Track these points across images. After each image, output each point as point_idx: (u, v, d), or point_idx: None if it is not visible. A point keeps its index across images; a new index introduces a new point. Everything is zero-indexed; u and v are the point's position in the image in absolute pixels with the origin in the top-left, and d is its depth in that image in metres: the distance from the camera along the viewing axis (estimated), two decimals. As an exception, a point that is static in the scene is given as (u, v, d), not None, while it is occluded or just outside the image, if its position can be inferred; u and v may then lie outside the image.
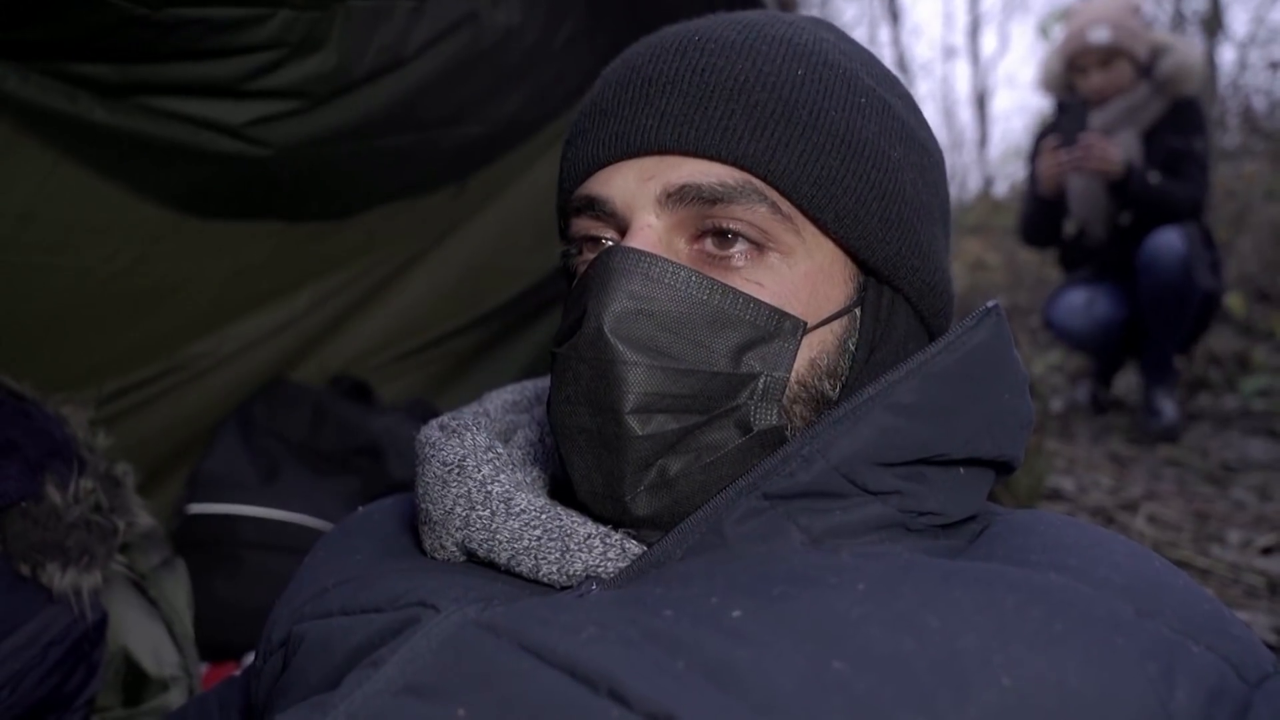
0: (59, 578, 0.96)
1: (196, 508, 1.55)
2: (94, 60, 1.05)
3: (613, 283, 0.61)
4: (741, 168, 0.63)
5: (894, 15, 11.33)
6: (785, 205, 0.63)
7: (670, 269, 0.61)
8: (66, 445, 1.05)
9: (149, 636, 1.16)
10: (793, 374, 0.63)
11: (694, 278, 0.61)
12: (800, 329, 0.63)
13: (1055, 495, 2.49)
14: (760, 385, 0.62)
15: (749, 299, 0.62)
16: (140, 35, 0.98)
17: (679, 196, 0.63)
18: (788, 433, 0.63)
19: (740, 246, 0.63)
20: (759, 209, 0.63)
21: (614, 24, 1.51)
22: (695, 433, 0.61)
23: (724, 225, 0.63)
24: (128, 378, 1.50)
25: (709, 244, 0.64)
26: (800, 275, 0.64)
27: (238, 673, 0.90)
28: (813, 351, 0.64)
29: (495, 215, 1.85)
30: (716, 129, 0.63)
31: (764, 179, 0.63)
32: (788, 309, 0.63)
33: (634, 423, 0.60)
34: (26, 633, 0.93)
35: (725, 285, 0.62)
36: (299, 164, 1.35)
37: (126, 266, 1.35)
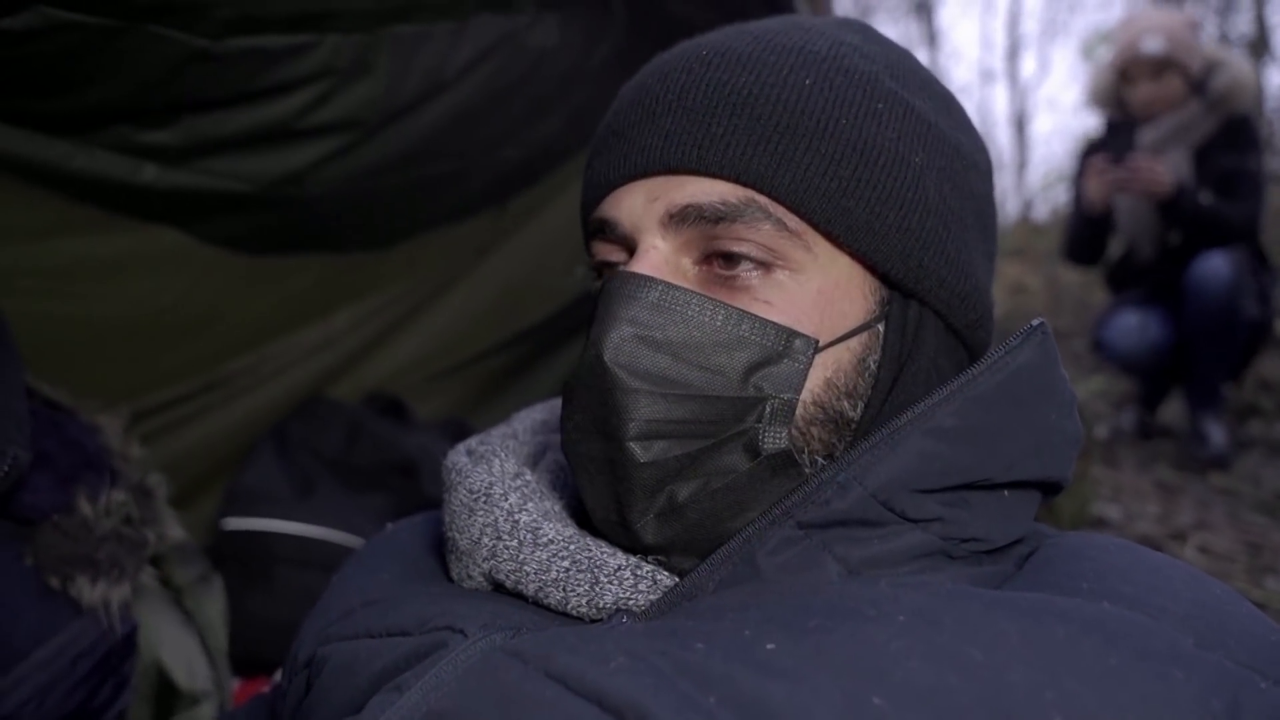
0: (89, 590, 0.96)
1: (232, 523, 1.56)
2: (156, 122, 1.08)
3: (613, 310, 0.60)
4: (744, 184, 0.61)
5: (932, 39, 11.29)
6: (793, 220, 0.61)
7: (671, 293, 0.60)
8: (99, 456, 1.06)
9: (183, 650, 1.17)
10: (808, 394, 0.61)
11: (696, 300, 0.60)
12: (811, 348, 0.60)
13: (1100, 523, 2.43)
14: (768, 408, 0.59)
15: (755, 319, 0.60)
16: (200, 74, 1.01)
17: (681, 217, 0.62)
18: (803, 456, 0.61)
19: (747, 265, 0.61)
20: (763, 226, 0.61)
21: (651, 45, 1.50)
22: (702, 458, 0.59)
23: (728, 249, 0.61)
24: (167, 394, 1.52)
25: (716, 264, 0.62)
26: (812, 292, 0.62)
27: (267, 689, 0.89)
28: (828, 371, 0.62)
29: (531, 236, 1.86)
30: (718, 145, 0.61)
31: (768, 194, 0.61)
32: (798, 328, 0.61)
33: (637, 449, 0.58)
34: (55, 645, 0.93)
35: (730, 306, 0.60)
36: (348, 200, 1.38)
37: (175, 299, 1.39)
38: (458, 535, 0.66)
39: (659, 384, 0.59)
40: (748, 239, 0.61)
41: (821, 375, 0.62)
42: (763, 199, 0.61)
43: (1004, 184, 10.47)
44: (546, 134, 1.59)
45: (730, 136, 0.61)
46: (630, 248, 0.65)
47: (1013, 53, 11.91)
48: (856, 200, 0.61)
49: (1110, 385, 3.98)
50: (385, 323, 1.79)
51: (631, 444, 0.58)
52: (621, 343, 0.59)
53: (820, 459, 0.62)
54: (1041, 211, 8.70)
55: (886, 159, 0.62)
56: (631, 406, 0.58)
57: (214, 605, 1.28)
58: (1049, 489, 0.64)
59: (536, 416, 0.81)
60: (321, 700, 0.63)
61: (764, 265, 0.61)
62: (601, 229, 0.67)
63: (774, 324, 0.60)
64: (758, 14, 0.77)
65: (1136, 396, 3.41)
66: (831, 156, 0.61)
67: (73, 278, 1.25)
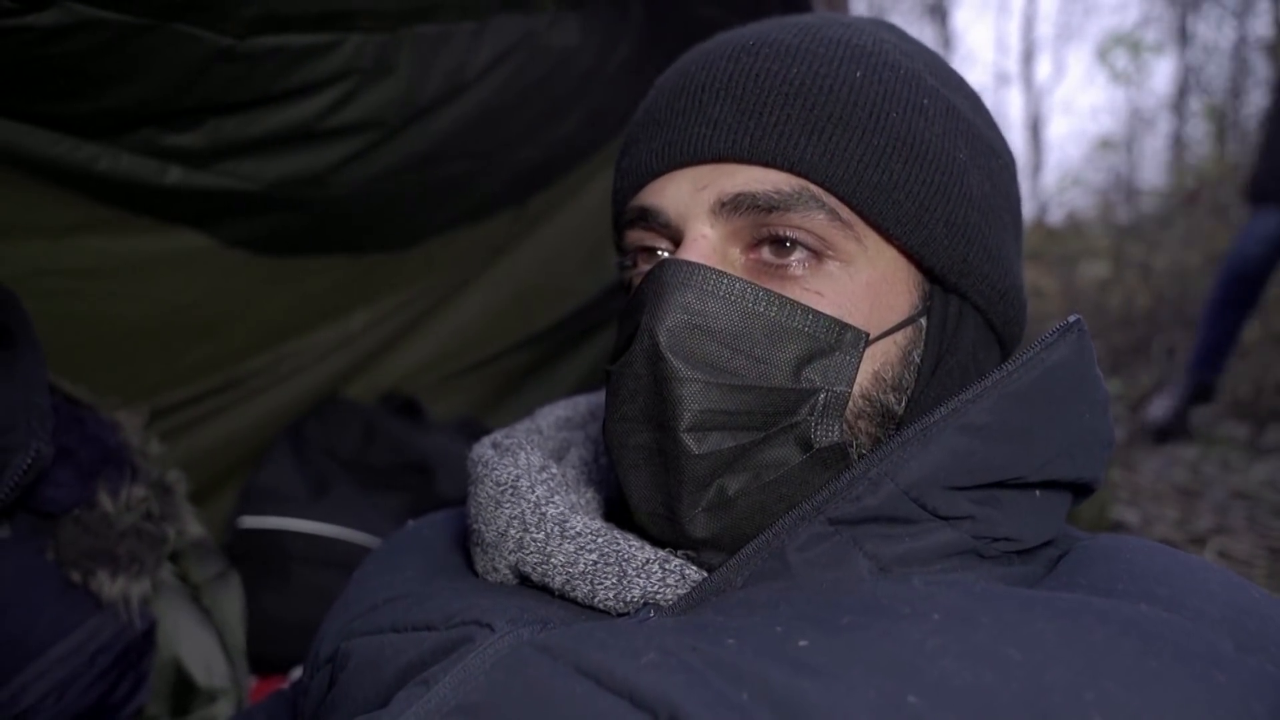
0: (109, 585, 0.96)
1: (248, 521, 1.57)
2: (182, 124, 1.09)
3: (666, 297, 0.59)
4: (798, 174, 0.61)
5: (946, 41, 11.27)
6: (845, 211, 0.61)
7: (725, 281, 0.59)
8: (119, 452, 1.06)
9: (201, 647, 1.17)
10: (856, 388, 0.61)
11: (749, 289, 0.59)
12: (862, 340, 0.60)
13: (1119, 527, 2.41)
14: (821, 400, 0.59)
15: (808, 310, 0.60)
16: (224, 75, 1.01)
17: (734, 205, 0.61)
18: (851, 449, 0.60)
19: (798, 255, 0.61)
20: (817, 216, 0.60)
21: (669, 46, 1.50)
22: (754, 450, 0.59)
23: (781, 233, 0.61)
24: (186, 392, 1.53)
25: (766, 253, 0.62)
26: (861, 284, 0.62)
27: (285, 687, 0.89)
28: (875, 364, 0.62)
29: (547, 237, 1.86)
30: (771, 135, 0.61)
31: (822, 185, 0.61)
32: (849, 319, 0.60)
33: (690, 440, 0.58)
34: (75, 640, 0.93)
35: (783, 297, 0.60)
36: (370, 200, 1.39)
37: (195, 299, 1.39)
38: (484, 527, 0.66)
39: (713, 374, 0.58)
40: (801, 227, 0.61)
41: (870, 368, 0.61)
42: (816, 189, 0.61)
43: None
44: (564, 135, 1.59)
45: (783, 126, 0.61)
46: (674, 236, 0.65)
47: (1028, 56, 11.85)
48: (906, 193, 0.61)
49: (1127, 388, 3.96)
50: (402, 323, 1.79)
51: (685, 435, 0.58)
52: (676, 330, 0.58)
53: (866, 452, 0.62)
54: (1056, 215, 8.65)
55: (934, 154, 0.62)
56: (687, 396, 0.57)
57: (232, 603, 1.28)
58: (1080, 490, 0.64)
59: (559, 413, 0.80)
60: (345, 695, 0.63)
61: (815, 255, 0.61)
62: (642, 217, 0.66)
63: (826, 316, 0.60)
64: (775, 16, 0.78)
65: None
66: (883, 150, 0.61)
67: (95, 277, 1.25)
